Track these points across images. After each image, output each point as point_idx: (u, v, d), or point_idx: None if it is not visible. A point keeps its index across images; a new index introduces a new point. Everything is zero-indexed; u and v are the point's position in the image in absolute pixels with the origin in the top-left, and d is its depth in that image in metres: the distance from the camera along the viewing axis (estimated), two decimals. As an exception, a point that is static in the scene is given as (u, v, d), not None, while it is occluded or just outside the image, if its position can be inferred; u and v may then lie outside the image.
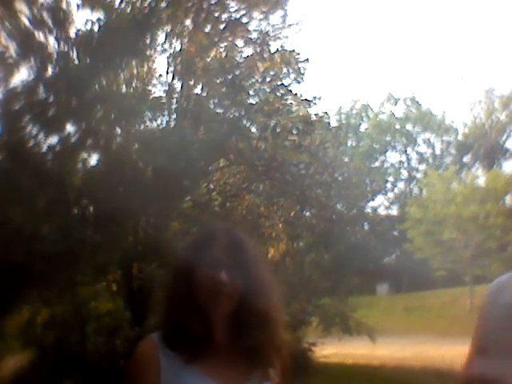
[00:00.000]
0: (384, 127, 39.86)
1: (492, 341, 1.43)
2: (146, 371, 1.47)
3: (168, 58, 10.44)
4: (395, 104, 40.76)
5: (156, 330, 1.57)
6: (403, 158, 41.03)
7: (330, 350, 13.75)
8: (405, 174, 40.69)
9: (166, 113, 10.16)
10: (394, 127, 39.99)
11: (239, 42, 10.65)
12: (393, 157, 40.96)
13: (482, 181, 32.00)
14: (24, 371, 8.66)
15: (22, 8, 7.36)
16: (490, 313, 1.51)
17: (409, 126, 40.61)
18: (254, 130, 10.61)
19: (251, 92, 10.32)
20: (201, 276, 1.51)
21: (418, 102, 40.70)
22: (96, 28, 7.68)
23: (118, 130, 8.89)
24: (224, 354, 1.52)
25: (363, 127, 40.89)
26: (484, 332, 1.49)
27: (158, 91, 10.29)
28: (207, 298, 1.50)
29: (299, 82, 10.82)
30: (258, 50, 10.45)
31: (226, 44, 10.58)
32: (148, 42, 8.49)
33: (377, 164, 38.82)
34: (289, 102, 10.92)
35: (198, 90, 10.54)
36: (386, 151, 40.43)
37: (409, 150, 41.03)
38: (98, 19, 7.80)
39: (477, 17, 66.64)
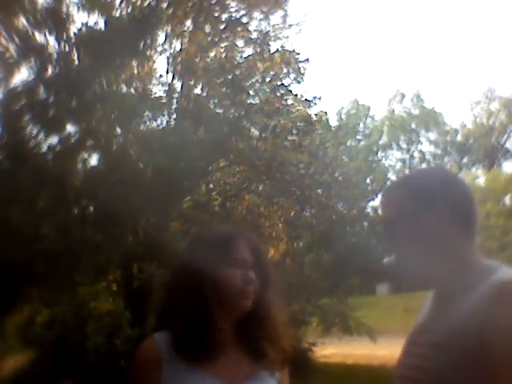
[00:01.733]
0: (393, 124, 39.85)
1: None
2: (149, 371, 1.47)
3: (168, 58, 10.45)
4: (401, 102, 40.73)
5: (157, 330, 1.56)
6: (405, 157, 41.02)
7: (330, 350, 13.73)
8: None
9: (166, 113, 10.15)
10: (403, 125, 39.93)
11: (239, 42, 10.66)
12: (395, 155, 40.98)
13: (482, 181, 32.04)
14: (24, 371, 8.67)
15: (23, 9, 7.37)
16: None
17: (413, 125, 40.59)
18: (254, 130, 10.60)
19: (251, 92, 10.32)
20: (229, 276, 1.51)
21: (422, 101, 40.70)
22: (96, 28, 7.68)
23: (118, 130, 8.89)
24: (229, 353, 1.53)
25: (362, 127, 40.83)
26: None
27: (158, 91, 10.30)
28: (236, 297, 1.52)
29: (299, 82, 10.82)
30: (258, 50, 10.45)
31: (226, 44, 10.59)
32: (148, 42, 8.49)
33: (379, 162, 38.79)
34: (289, 102, 10.91)
35: (198, 90, 10.55)
36: (392, 149, 40.46)
37: (411, 149, 41.04)
38: (98, 20, 7.81)
39: (477, 16, 66.66)
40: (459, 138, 40.83)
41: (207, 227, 1.83)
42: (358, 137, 39.72)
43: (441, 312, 1.33)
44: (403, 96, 40.64)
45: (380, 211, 1.46)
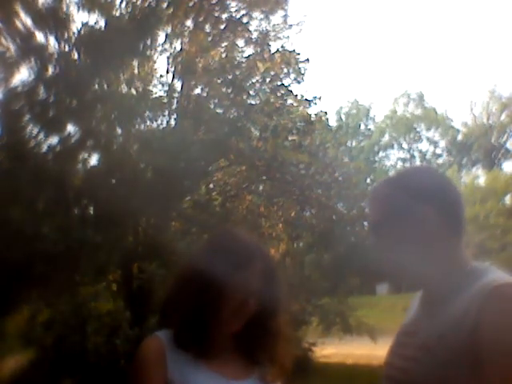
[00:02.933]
0: (395, 124, 39.87)
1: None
2: (155, 368, 1.47)
3: (168, 58, 10.45)
4: (407, 103, 40.74)
5: (159, 328, 1.57)
6: (406, 156, 41.00)
7: (330, 350, 13.72)
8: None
9: (166, 113, 10.16)
10: (404, 125, 39.93)
11: (240, 42, 10.67)
12: (396, 155, 40.99)
13: (482, 181, 32.06)
14: (24, 371, 8.67)
15: (23, 8, 7.36)
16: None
17: (414, 125, 40.60)
18: (254, 130, 10.60)
19: (251, 92, 10.32)
20: (231, 295, 1.50)
21: (423, 100, 40.71)
22: (96, 28, 7.68)
23: (119, 130, 8.89)
24: (229, 353, 1.56)
25: (363, 127, 40.83)
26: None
27: (158, 91, 10.31)
28: (229, 315, 1.51)
29: (299, 82, 10.83)
30: (259, 50, 10.46)
31: (226, 44, 10.59)
32: (148, 42, 8.48)
33: (381, 162, 38.82)
34: (289, 102, 10.91)
35: (198, 90, 10.56)
36: (393, 149, 40.49)
37: (412, 149, 41.04)
38: (99, 19, 7.81)
39: (478, 16, 66.67)
40: (460, 137, 40.83)
41: (225, 234, 1.74)
42: (358, 137, 39.75)
43: (429, 313, 1.33)
44: (409, 96, 40.70)
45: (367, 208, 1.45)
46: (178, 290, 1.58)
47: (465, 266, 1.33)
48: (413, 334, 1.34)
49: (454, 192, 1.40)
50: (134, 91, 9.47)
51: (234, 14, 10.48)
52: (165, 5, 8.83)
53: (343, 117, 39.52)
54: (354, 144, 38.18)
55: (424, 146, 41.16)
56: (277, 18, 10.80)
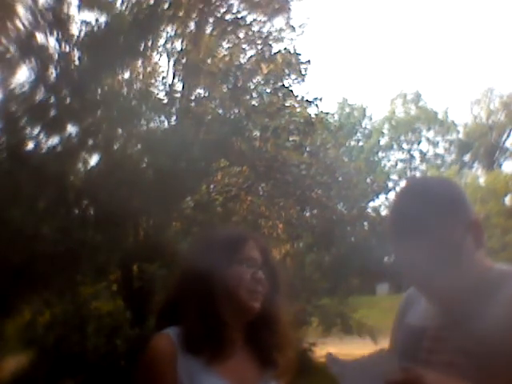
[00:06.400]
0: (394, 125, 39.88)
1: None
2: (168, 365, 1.45)
3: (169, 58, 10.45)
4: (403, 103, 40.72)
5: (159, 328, 1.54)
6: (406, 157, 40.95)
7: (331, 350, 13.67)
8: (407, 172, 40.50)
9: (167, 113, 10.15)
10: (404, 125, 39.90)
11: (242, 44, 10.66)
12: (396, 155, 40.92)
13: (482, 181, 32.06)
14: (25, 371, 8.67)
15: (24, 9, 7.37)
16: (397, 330, 1.50)
17: (414, 125, 40.57)
18: (255, 130, 10.60)
19: (253, 93, 10.32)
20: (239, 274, 1.51)
21: (422, 101, 40.70)
22: (97, 29, 7.68)
23: (120, 131, 8.89)
24: (238, 355, 1.53)
25: (360, 127, 40.76)
26: (392, 348, 1.47)
27: (159, 92, 10.30)
28: (245, 297, 1.51)
29: (300, 83, 10.83)
30: (260, 51, 10.46)
31: (228, 45, 10.59)
32: (150, 42, 8.49)
33: (381, 162, 38.79)
34: (290, 103, 10.91)
35: (199, 91, 10.55)
36: (393, 149, 40.43)
37: (412, 149, 41.00)
38: (99, 20, 7.81)
39: (477, 16, 66.67)
40: (459, 137, 40.82)
41: (216, 229, 1.81)
42: (355, 137, 39.67)
43: (457, 318, 1.31)
44: (405, 96, 40.65)
45: (391, 214, 1.41)
46: (183, 291, 1.56)
47: (490, 270, 1.34)
48: (443, 339, 1.32)
49: (469, 201, 1.42)
50: (135, 92, 9.46)
51: (236, 16, 10.48)
52: (166, 5, 8.83)
53: (336, 116, 39.31)
54: (352, 144, 38.08)
55: (424, 146, 41.15)
56: (279, 20, 10.80)
